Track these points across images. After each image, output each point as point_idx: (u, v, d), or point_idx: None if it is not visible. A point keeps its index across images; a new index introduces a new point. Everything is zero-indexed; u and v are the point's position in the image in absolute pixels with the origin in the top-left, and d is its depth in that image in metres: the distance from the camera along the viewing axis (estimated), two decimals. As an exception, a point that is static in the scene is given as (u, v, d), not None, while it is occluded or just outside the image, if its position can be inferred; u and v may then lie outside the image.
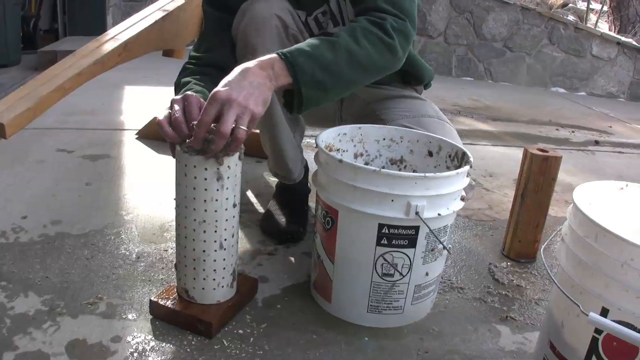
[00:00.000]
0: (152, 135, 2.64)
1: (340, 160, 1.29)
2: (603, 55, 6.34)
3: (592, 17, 8.10)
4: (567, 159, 3.12)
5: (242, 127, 1.17)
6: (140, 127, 2.77)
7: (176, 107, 1.23)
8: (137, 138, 2.71)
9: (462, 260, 1.82)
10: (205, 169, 1.22)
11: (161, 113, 1.24)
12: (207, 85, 1.45)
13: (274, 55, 1.27)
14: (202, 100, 1.27)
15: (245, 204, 2.07)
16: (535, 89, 6.19)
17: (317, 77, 1.30)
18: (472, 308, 1.56)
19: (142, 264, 1.60)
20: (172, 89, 1.55)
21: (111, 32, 2.00)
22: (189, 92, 1.28)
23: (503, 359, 1.36)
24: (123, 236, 1.75)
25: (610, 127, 4.46)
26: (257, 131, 1.76)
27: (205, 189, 1.24)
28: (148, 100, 3.47)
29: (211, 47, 1.60)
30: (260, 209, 2.03)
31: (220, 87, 1.19)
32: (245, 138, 1.19)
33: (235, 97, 1.16)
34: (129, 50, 1.93)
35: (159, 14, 2.13)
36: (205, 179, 1.23)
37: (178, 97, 1.26)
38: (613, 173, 3.10)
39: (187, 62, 1.59)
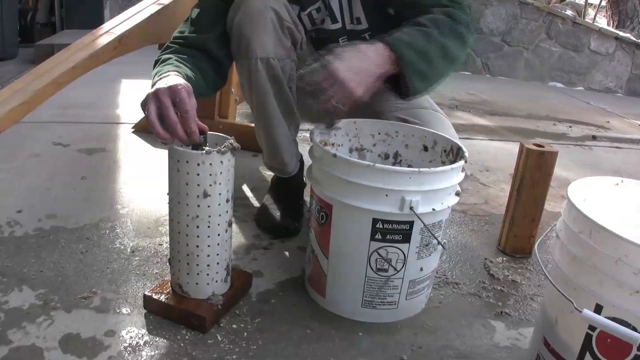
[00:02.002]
0: (148, 129, 2.63)
1: (335, 155, 1.29)
2: (601, 50, 6.33)
3: (591, 12, 8.09)
4: (564, 154, 3.11)
5: (341, 105, 1.30)
6: (136, 120, 2.76)
7: (166, 103, 1.22)
8: (133, 132, 2.70)
9: (457, 255, 1.82)
10: (198, 164, 1.22)
11: (149, 104, 1.23)
12: (189, 65, 1.44)
13: (382, 44, 1.36)
14: (190, 87, 1.26)
15: (240, 198, 2.06)
16: (533, 83, 6.18)
17: (421, 68, 1.40)
18: (467, 303, 1.56)
19: (136, 258, 1.60)
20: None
21: (106, 25, 1.99)
22: (175, 82, 1.25)
23: (497, 355, 1.36)
24: (118, 230, 1.75)
25: (608, 122, 4.46)
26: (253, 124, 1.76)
27: (198, 184, 1.23)
28: (145, 93, 3.45)
29: (199, 30, 1.57)
30: (256, 204, 2.03)
31: (338, 63, 1.30)
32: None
33: (349, 81, 1.29)
34: (124, 44, 1.92)
35: (155, 8, 2.13)
36: (198, 174, 1.22)
37: (163, 86, 1.24)
38: (610, 168, 3.10)
39: (171, 42, 1.57)
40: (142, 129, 2.68)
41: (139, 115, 2.74)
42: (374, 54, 1.34)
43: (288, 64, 1.59)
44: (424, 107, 1.73)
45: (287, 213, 1.84)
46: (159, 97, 1.22)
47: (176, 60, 1.44)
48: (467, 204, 2.26)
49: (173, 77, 1.29)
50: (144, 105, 1.24)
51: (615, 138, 3.90)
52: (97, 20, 4.83)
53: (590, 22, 6.82)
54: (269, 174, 2.18)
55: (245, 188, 2.17)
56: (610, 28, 6.99)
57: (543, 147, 1.76)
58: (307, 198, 1.91)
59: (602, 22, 8.10)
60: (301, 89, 1.34)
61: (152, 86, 1.28)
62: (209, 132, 1.30)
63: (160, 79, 1.29)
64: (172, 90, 1.23)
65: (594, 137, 3.81)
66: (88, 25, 2.48)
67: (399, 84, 1.42)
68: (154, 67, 1.44)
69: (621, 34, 6.49)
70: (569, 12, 6.75)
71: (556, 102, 5.13)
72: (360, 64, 1.32)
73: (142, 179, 2.15)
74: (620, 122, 4.56)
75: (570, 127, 4.07)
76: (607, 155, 3.41)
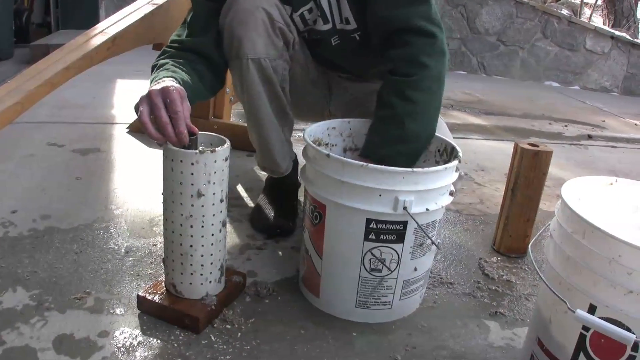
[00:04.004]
0: (142, 129, 2.63)
1: (328, 155, 1.28)
2: (597, 49, 6.34)
3: (587, 11, 8.10)
4: (559, 154, 3.13)
5: None
6: (131, 121, 2.76)
7: (158, 104, 1.22)
8: (128, 132, 2.70)
9: (452, 255, 1.82)
10: (192, 164, 1.22)
11: (141, 106, 1.24)
12: (185, 69, 1.44)
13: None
14: (183, 91, 1.27)
15: (234, 198, 2.06)
16: (528, 82, 6.19)
17: (407, 148, 1.47)
18: (461, 303, 1.56)
19: (130, 259, 1.60)
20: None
21: (100, 26, 1.99)
22: (167, 84, 1.26)
23: (492, 355, 1.36)
24: (112, 231, 1.74)
25: (604, 121, 4.46)
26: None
27: (192, 184, 1.23)
28: (140, 93, 3.44)
29: (194, 33, 1.58)
30: (250, 204, 2.03)
31: None
32: None
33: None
34: (118, 44, 1.91)
35: (149, 8, 2.12)
36: (192, 174, 1.22)
37: (156, 88, 1.25)
38: (605, 167, 3.10)
39: (168, 46, 1.57)
40: (137, 130, 2.67)
41: (134, 115, 2.72)
42: None
43: (280, 64, 1.59)
44: None
45: (282, 213, 1.84)
46: (151, 98, 1.23)
47: (172, 65, 1.44)
48: (462, 203, 2.26)
49: (167, 82, 1.29)
50: (137, 107, 1.24)
51: (611, 137, 3.91)
52: (92, 20, 4.82)
53: (586, 21, 6.83)
54: (263, 174, 2.18)
55: (239, 188, 2.17)
56: (606, 27, 7.00)
57: (538, 146, 1.76)
58: (301, 198, 1.91)
59: (598, 21, 8.11)
60: None
61: None
62: (204, 133, 1.30)
63: (156, 84, 1.29)
64: (164, 91, 1.24)
65: (589, 137, 3.81)
66: (83, 26, 2.48)
67: None
68: (152, 72, 1.44)
69: (617, 33, 6.50)
70: (564, 12, 6.76)
71: (552, 101, 5.14)
72: None
73: (136, 179, 2.15)
74: (615, 121, 4.57)
75: (565, 126, 4.07)
76: (603, 155, 3.42)
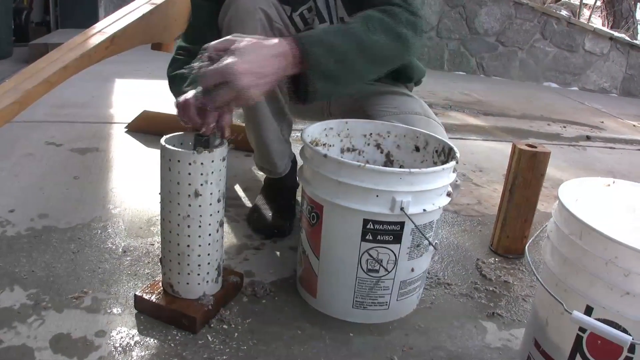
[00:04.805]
0: (141, 128, 2.64)
1: (325, 155, 1.28)
2: (596, 50, 6.34)
3: (586, 12, 8.10)
4: (558, 155, 3.13)
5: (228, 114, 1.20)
6: (130, 120, 2.75)
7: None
8: (126, 131, 2.69)
9: (449, 256, 1.82)
10: (189, 164, 1.22)
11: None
12: None
13: (290, 40, 1.24)
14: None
15: (233, 198, 2.06)
16: (527, 83, 6.19)
17: (330, 68, 1.27)
18: (458, 304, 1.56)
19: (128, 258, 1.60)
20: (163, 82, 1.53)
21: (98, 25, 1.99)
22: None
23: (489, 356, 1.36)
24: (110, 230, 1.74)
25: (602, 122, 4.46)
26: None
27: (189, 184, 1.23)
28: (139, 93, 3.45)
29: (202, 39, 1.57)
30: (248, 204, 2.03)
31: (231, 60, 1.15)
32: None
33: (241, 81, 1.14)
34: (117, 43, 1.92)
35: (147, 7, 2.12)
36: (189, 174, 1.22)
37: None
38: (604, 169, 3.10)
39: (177, 54, 1.57)
40: (136, 129, 2.67)
41: (133, 114, 2.74)
42: (276, 50, 1.21)
43: None
44: (417, 113, 1.71)
45: (279, 213, 1.84)
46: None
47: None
48: (460, 204, 2.26)
49: None
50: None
51: (610, 138, 3.91)
52: (91, 19, 4.81)
53: (585, 22, 6.83)
54: (262, 174, 2.18)
55: (237, 188, 2.17)
56: (605, 28, 7.01)
57: (535, 147, 1.76)
58: (299, 198, 1.91)
59: (597, 22, 8.12)
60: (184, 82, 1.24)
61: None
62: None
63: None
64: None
65: (588, 138, 3.81)
66: (83, 25, 2.48)
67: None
68: (171, 85, 1.43)
69: (616, 34, 6.50)
70: (563, 12, 6.77)
71: (550, 102, 5.14)
72: (258, 61, 1.18)
73: (134, 179, 2.15)
74: (614, 122, 4.57)
75: (564, 127, 4.07)
76: (601, 156, 3.41)
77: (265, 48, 1.20)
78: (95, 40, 1.85)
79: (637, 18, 8.55)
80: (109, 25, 1.98)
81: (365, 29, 1.33)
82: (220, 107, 1.19)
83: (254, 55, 1.17)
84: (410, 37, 1.40)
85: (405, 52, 1.43)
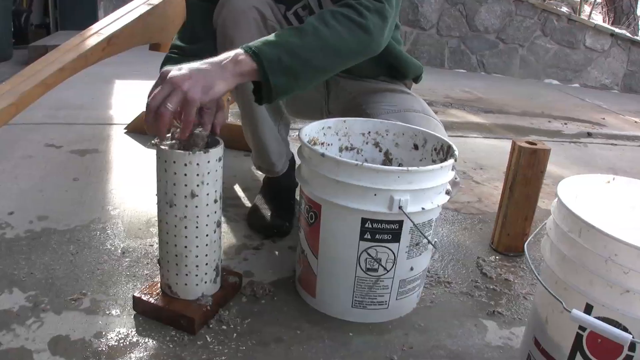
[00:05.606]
0: (140, 129, 2.63)
1: (323, 154, 1.28)
2: (597, 46, 6.33)
3: (586, 8, 8.09)
4: (559, 151, 3.12)
5: (168, 104, 1.16)
6: (129, 121, 2.75)
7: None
8: (125, 132, 2.69)
9: (449, 254, 1.81)
10: (185, 165, 1.21)
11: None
12: None
13: (238, 49, 1.25)
14: (222, 101, 1.27)
15: (231, 198, 2.06)
16: (528, 80, 6.19)
17: (284, 62, 1.26)
18: (459, 303, 1.55)
19: (127, 260, 1.59)
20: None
21: (95, 26, 1.99)
22: None
23: (489, 354, 1.35)
24: (109, 231, 1.74)
25: (603, 118, 4.45)
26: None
27: (185, 185, 1.23)
28: (137, 94, 3.44)
29: (196, 38, 1.58)
30: (247, 204, 2.02)
31: (169, 67, 1.20)
32: (169, 118, 1.18)
33: (176, 80, 1.16)
34: (113, 44, 1.91)
35: (144, 8, 2.12)
36: (185, 175, 1.22)
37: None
38: (605, 165, 3.09)
39: (171, 52, 1.57)
40: (135, 130, 2.67)
41: (132, 115, 2.74)
42: (220, 58, 1.24)
43: None
44: (416, 110, 1.70)
45: (278, 213, 1.83)
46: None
47: None
48: (460, 202, 2.26)
49: None
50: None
51: (611, 135, 3.90)
52: (91, 21, 4.76)
53: (586, 18, 6.82)
54: (260, 174, 2.18)
55: (236, 188, 2.16)
56: (605, 24, 7.00)
57: (535, 144, 1.75)
58: (299, 198, 1.91)
59: (598, 18, 8.11)
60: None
61: None
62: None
63: None
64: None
65: (589, 134, 3.81)
66: (82, 27, 2.47)
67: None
68: None
69: (617, 30, 6.50)
70: (564, 9, 6.77)
71: (551, 99, 5.13)
72: (197, 67, 1.20)
73: (133, 180, 2.15)
74: (615, 118, 4.56)
75: (565, 124, 4.06)
76: (602, 152, 3.41)
77: (207, 61, 1.23)
78: (92, 41, 1.85)
79: (638, 14, 8.54)
80: (106, 26, 1.97)
81: (317, 22, 1.32)
82: (174, 110, 1.19)
83: (195, 66, 1.21)
84: (374, 25, 1.38)
85: (370, 41, 1.40)
